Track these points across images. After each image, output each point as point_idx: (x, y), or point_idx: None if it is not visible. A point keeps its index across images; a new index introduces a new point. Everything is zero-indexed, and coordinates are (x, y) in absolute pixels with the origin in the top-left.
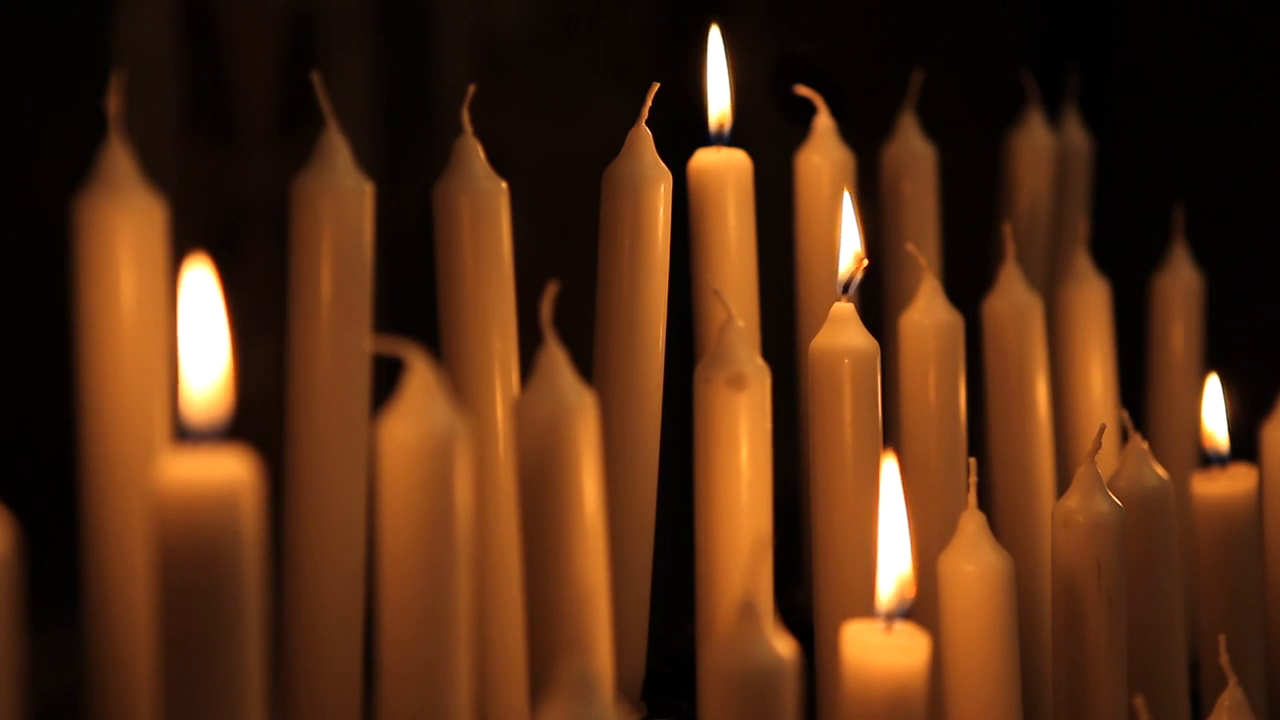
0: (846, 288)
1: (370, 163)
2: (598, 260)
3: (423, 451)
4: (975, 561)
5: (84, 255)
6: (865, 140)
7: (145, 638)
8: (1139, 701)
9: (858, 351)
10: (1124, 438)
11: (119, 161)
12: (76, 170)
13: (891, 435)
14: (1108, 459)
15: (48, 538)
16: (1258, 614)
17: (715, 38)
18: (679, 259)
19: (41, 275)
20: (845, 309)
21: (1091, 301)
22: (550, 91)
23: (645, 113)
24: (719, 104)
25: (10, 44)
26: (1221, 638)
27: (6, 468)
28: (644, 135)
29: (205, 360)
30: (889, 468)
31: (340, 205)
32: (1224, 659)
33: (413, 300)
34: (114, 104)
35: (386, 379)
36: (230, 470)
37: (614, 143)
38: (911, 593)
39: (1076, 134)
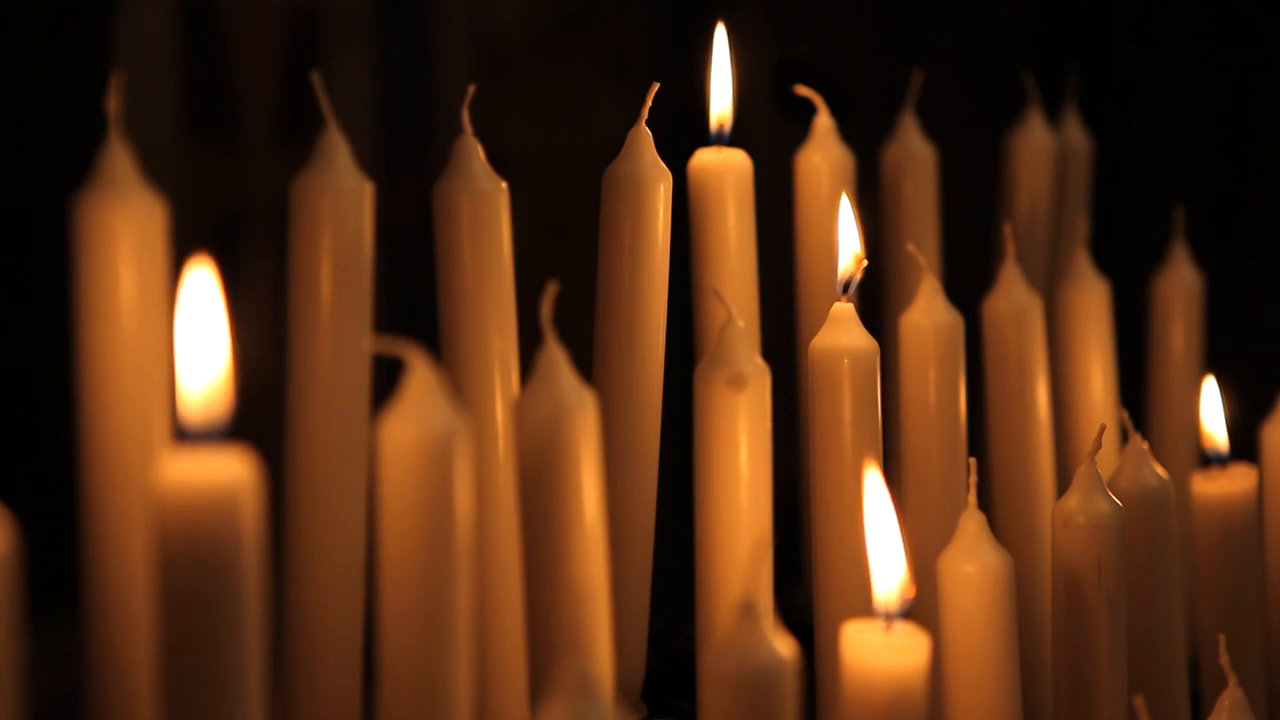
0: (846, 288)
1: (370, 163)
2: (598, 260)
3: (423, 451)
4: (975, 561)
5: (84, 255)
6: (865, 140)
7: (145, 638)
8: (1139, 701)
9: (858, 351)
10: (1124, 438)
11: (119, 161)
12: (76, 170)
13: (891, 435)
14: (1108, 459)
15: (48, 538)
16: (1258, 614)
17: (720, 37)
18: (679, 259)
19: (41, 275)
20: (845, 309)
21: (1091, 301)
22: (550, 91)
23: (645, 113)
24: (719, 104)
25: (10, 44)
26: (1221, 638)
27: (6, 468)
28: (644, 135)
29: (205, 360)
30: (872, 476)
31: (340, 205)
32: (1224, 659)
33: (413, 300)
34: (114, 104)
35: (386, 379)
36: (230, 470)
37: (614, 143)
38: (911, 593)
39: (1076, 134)
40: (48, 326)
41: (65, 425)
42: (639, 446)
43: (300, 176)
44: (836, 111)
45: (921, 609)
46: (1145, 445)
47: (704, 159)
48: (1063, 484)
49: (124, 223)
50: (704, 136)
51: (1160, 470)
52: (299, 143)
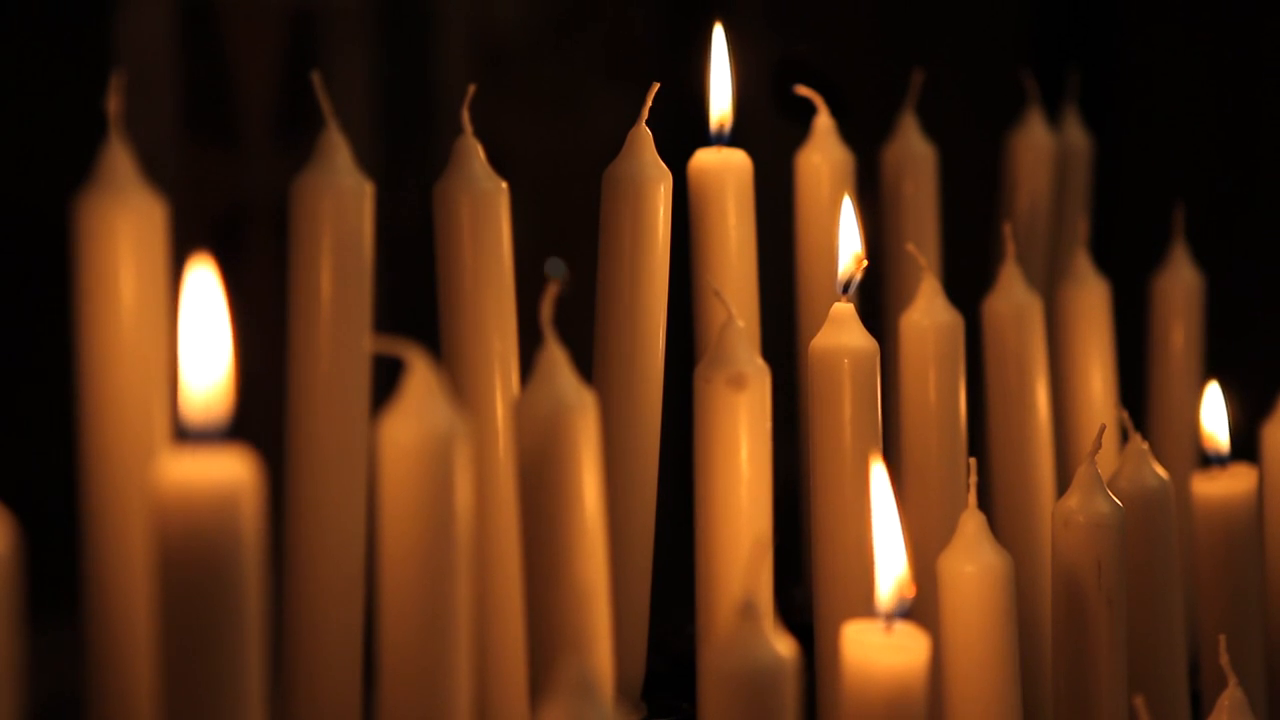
0: (846, 288)
1: (370, 163)
2: (598, 260)
3: (423, 451)
4: (975, 561)
5: (84, 255)
6: (865, 140)
7: (145, 638)
8: (1139, 701)
9: (858, 351)
10: (1124, 438)
11: (119, 161)
12: (76, 170)
13: (891, 435)
14: (1108, 459)
15: (48, 538)
16: (1258, 614)
17: (719, 37)
18: (679, 259)
19: (41, 275)
20: (845, 309)
21: (1091, 301)
22: (550, 91)
23: (645, 113)
24: (719, 104)
25: (10, 44)
26: (1221, 638)
27: (6, 468)
28: (644, 135)
29: (206, 360)
30: (878, 471)
31: (340, 205)
32: (1224, 659)
33: (413, 300)
34: (114, 104)
35: (386, 379)
36: (230, 470)
37: (614, 143)
38: (911, 593)
39: (1076, 134)
40: (48, 326)
41: (65, 425)
42: (639, 446)
43: (300, 176)
44: (836, 111)
45: (921, 609)
46: (1145, 445)
47: (704, 159)
48: (1063, 484)
49: (124, 223)
50: (704, 136)
51: (1160, 470)
52: (299, 143)
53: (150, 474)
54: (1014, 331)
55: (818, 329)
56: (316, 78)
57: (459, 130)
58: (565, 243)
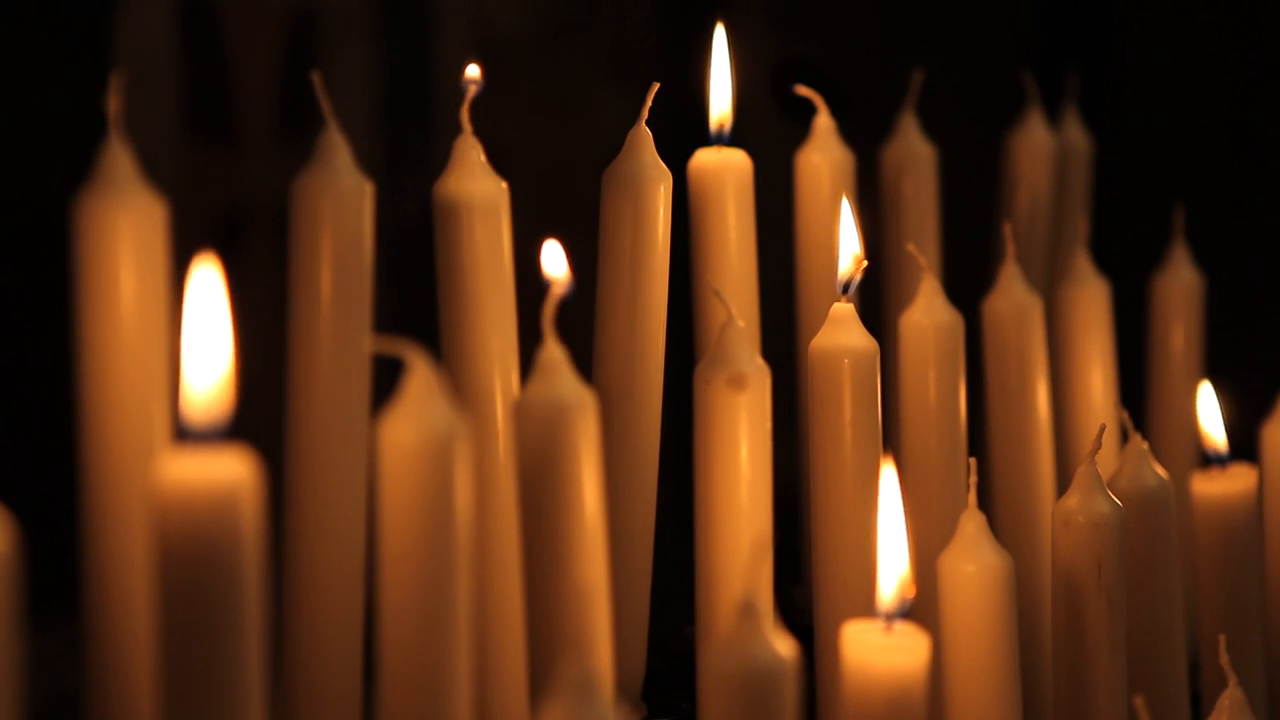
0: (846, 288)
1: (370, 163)
2: (598, 260)
3: (423, 451)
4: (975, 561)
5: (84, 255)
6: (865, 140)
7: (145, 638)
8: (1139, 701)
9: (858, 351)
10: (1124, 438)
11: (119, 161)
12: (76, 170)
13: (891, 435)
14: (1108, 459)
15: (48, 538)
16: (1258, 614)
17: (720, 37)
18: (679, 259)
19: (42, 275)
20: (845, 309)
21: (1091, 301)
22: (550, 91)
23: (645, 113)
24: (719, 104)
25: (10, 44)
26: (1221, 638)
27: (6, 468)
28: (644, 135)
29: (207, 360)
30: (888, 473)
31: (340, 205)
32: (1224, 659)
33: (413, 300)
34: (114, 104)
35: (386, 379)
36: (230, 470)
37: (614, 143)
38: (911, 593)
39: (1076, 134)
40: (48, 326)
41: (65, 425)
42: (639, 446)
43: (300, 176)
44: (836, 111)
45: (921, 609)
46: (1145, 445)
47: (704, 159)
48: (1063, 484)
49: (124, 223)
50: (704, 136)
51: (1160, 470)
52: (299, 143)
53: (150, 474)
54: (1014, 331)
55: (818, 329)
56: (316, 78)
57: (459, 130)
58: (565, 243)
